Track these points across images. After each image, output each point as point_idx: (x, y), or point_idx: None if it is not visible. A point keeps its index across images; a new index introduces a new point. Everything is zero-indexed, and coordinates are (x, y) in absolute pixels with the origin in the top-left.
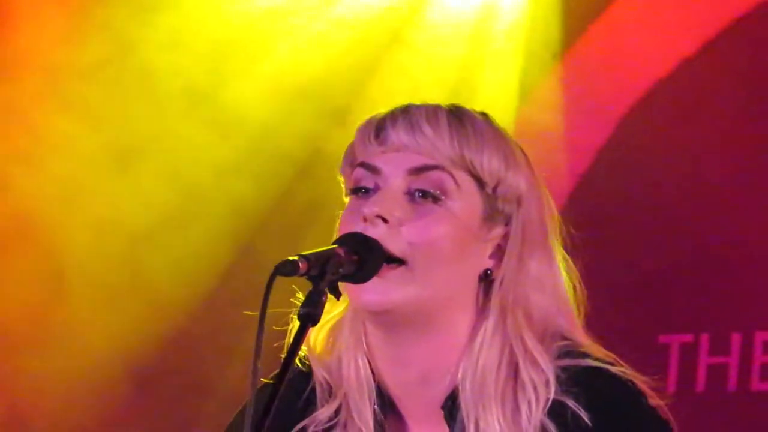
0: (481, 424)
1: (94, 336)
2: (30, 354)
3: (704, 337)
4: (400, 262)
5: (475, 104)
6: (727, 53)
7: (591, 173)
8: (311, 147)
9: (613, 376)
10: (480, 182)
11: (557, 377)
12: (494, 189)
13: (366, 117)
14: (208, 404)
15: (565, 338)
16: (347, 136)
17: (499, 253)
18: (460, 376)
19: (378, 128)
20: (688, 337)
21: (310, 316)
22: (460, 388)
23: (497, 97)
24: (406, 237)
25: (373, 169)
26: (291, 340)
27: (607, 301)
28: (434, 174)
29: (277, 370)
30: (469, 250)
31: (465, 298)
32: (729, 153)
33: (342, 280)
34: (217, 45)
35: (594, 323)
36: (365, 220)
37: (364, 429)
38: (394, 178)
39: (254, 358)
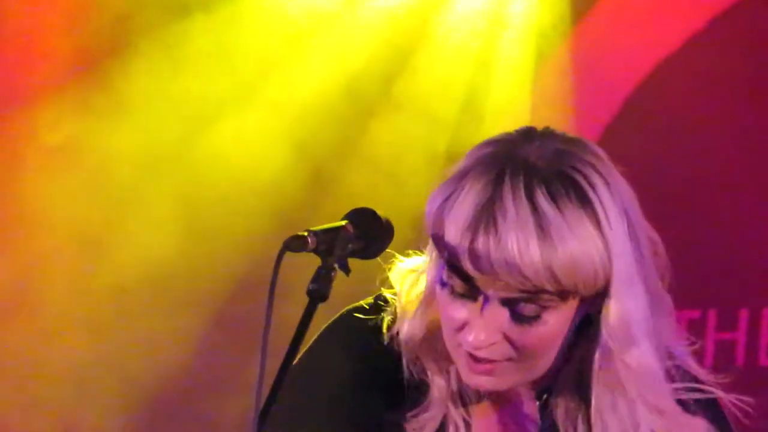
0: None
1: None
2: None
3: (712, 313)
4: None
5: (491, 86)
6: (735, 29)
7: None
8: (345, 134)
9: (721, 410)
10: (575, 293)
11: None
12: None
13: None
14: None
15: (670, 354)
16: (379, 127)
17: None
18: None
19: (471, 248)
20: (696, 313)
21: (318, 292)
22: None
23: (513, 76)
24: (512, 355)
25: (471, 286)
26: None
27: None
28: (529, 305)
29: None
30: (568, 330)
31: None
32: (737, 129)
33: (351, 257)
34: (263, 42)
35: None
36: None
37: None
38: (491, 301)
39: (264, 332)
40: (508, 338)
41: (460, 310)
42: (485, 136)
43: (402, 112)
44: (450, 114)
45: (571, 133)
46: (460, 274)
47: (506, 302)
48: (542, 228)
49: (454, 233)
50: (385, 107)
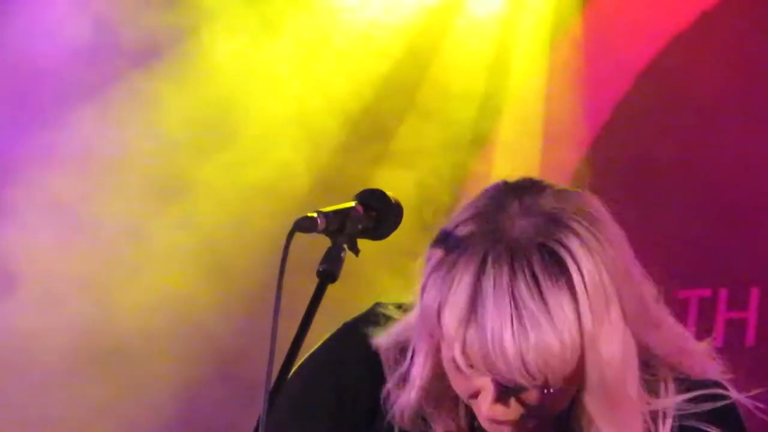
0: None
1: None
2: None
3: (723, 292)
4: None
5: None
6: (746, 5)
7: (609, 126)
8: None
9: (738, 416)
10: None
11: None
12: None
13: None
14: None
15: (676, 364)
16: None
17: None
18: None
19: (462, 342)
20: (707, 292)
21: (329, 272)
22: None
23: (531, 52)
24: (528, 411)
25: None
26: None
27: None
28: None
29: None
30: None
31: None
32: (749, 106)
33: (361, 237)
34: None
35: None
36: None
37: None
38: (491, 384)
39: (274, 315)
40: (522, 403)
41: (471, 381)
42: (508, 111)
43: (431, 91)
44: (475, 92)
45: (585, 109)
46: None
47: (501, 386)
48: (518, 318)
49: (448, 326)
50: (417, 87)
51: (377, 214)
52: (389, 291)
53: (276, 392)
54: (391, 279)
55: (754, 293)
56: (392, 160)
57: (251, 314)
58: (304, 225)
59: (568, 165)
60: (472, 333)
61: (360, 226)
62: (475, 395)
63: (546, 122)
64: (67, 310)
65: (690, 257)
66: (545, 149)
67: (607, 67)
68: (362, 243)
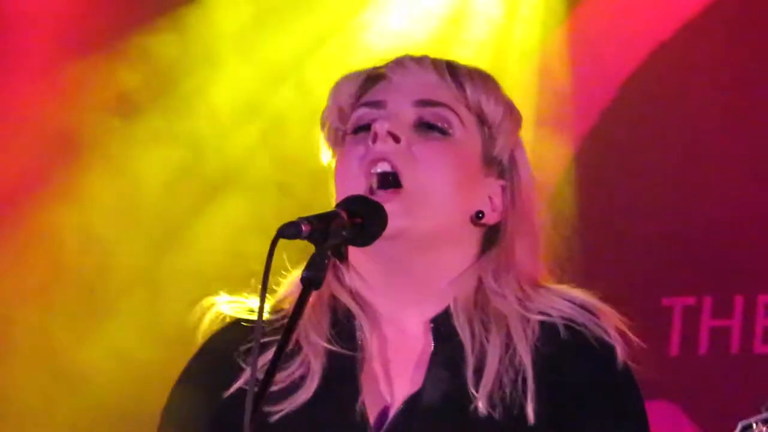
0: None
1: None
2: None
3: (707, 300)
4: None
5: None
6: (730, 15)
7: (594, 135)
8: None
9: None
10: (481, 121)
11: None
12: (495, 131)
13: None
14: None
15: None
16: None
17: (490, 203)
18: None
19: (378, 76)
20: (691, 300)
21: (312, 279)
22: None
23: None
24: (416, 157)
25: (377, 104)
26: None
27: (610, 263)
28: (441, 110)
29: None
30: (465, 185)
31: (457, 233)
32: (732, 115)
33: (344, 243)
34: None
35: (597, 285)
36: (375, 139)
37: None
38: (402, 107)
39: (258, 320)
40: (409, 146)
41: (365, 142)
42: None
43: None
44: None
45: (571, 118)
46: (366, 104)
47: (415, 105)
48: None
49: (354, 82)
50: None
51: (362, 220)
52: None
53: (261, 397)
54: None
55: (738, 301)
56: None
57: None
58: (289, 232)
59: (554, 173)
60: (388, 67)
61: (343, 233)
62: (365, 156)
63: (534, 130)
64: None
65: (674, 265)
66: (532, 157)
67: (592, 76)
68: None
